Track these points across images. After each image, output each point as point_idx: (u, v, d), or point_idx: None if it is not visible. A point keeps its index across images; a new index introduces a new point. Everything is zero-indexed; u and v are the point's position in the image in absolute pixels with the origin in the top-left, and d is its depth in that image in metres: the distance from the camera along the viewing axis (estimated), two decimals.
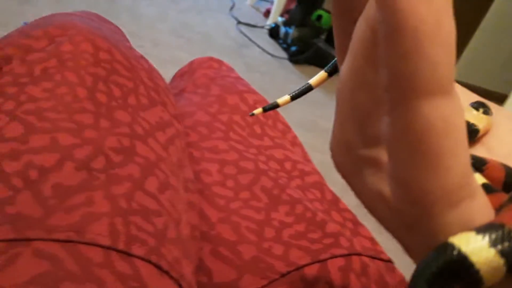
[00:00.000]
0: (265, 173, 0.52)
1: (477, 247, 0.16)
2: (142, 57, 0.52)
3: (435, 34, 0.14)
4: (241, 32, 2.86)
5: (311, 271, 0.45)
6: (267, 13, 3.21)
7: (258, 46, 2.76)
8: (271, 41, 2.94)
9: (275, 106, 0.32)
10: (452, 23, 0.15)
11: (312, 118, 2.13)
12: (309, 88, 0.30)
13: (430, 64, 0.14)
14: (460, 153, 0.16)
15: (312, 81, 0.30)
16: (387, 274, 0.49)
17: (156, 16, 2.55)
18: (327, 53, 2.80)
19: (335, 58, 0.26)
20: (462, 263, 0.16)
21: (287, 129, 0.63)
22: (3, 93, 0.40)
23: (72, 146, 0.37)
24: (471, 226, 0.16)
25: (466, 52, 3.47)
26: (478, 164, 0.25)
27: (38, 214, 0.32)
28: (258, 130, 0.58)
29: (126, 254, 0.34)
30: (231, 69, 0.68)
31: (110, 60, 0.45)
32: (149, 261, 0.35)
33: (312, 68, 2.74)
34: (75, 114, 0.39)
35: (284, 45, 2.88)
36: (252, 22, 3.04)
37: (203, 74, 0.64)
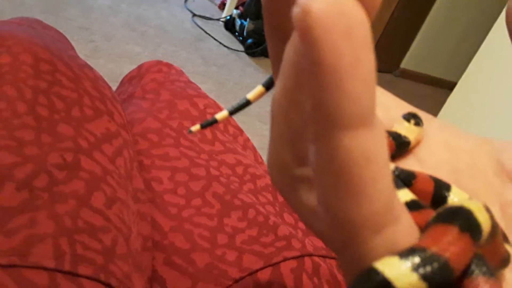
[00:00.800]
0: (216, 179, 0.52)
1: (400, 272, 0.16)
2: (86, 65, 0.51)
3: (354, 69, 0.14)
4: (197, 24, 2.83)
5: (264, 275, 0.46)
6: (222, 6, 3.19)
7: (214, 38, 2.74)
8: (227, 34, 2.92)
9: (213, 122, 0.32)
10: (371, 58, 0.15)
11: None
12: (247, 103, 0.31)
13: (350, 98, 0.15)
14: (382, 181, 0.16)
15: (250, 95, 0.30)
16: (340, 271, 0.50)
17: (108, 9, 2.48)
18: None
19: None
20: (385, 286, 0.16)
21: (238, 132, 0.63)
22: None
23: (12, 165, 0.36)
24: (396, 250, 0.17)
25: (416, 41, 3.56)
26: (408, 178, 0.25)
27: None
28: (209, 135, 0.57)
29: (73, 274, 0.33)
30: (181, 73, 0.67)
31: (52, 71, 0.44)
32: (98, 280, 0.34)
33: (268, 61, 2.74)
34: (15, 131, 0.38)
35: (240, 38, 2.87)
36: (207, 15, 3.01)
37: (152, 78, 0.63)
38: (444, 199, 0.24)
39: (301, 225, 0.54)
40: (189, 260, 0.45)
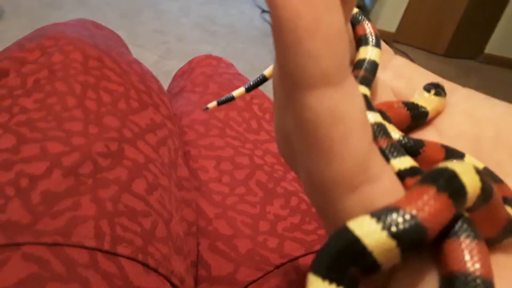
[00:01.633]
0: (260, 168, 0.52)
1: (369, 230, 0.16)
2: (135, 61, 0.54)
3: (314, 29, 0.15)
4: (266, 20, 2.85)
5: (305, 262, 0.46)
6: None
7: None
8: None
9: (231, 99, 0.32)
10: (334, 18, 0.15)
11: None
12: (263, 79, 0.31)
13: (310, 58, 0.15)
14: (352, 140, 0.16)
15: (267, 71, 0.31)
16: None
17: (178, 11, 2.58)
18: None
19: None
20: (356, 246, 0.16)
21: None
22: (4, 107, 0.42)
23: (60, 154, 0.39)
24: (372, 210, 0.17)
25: (500, 24, 3.33)
26: (415, 147, 0.25)
27: (26, 220, 0.34)
28: (254, 125, 0.58)
29: (112, 254, 0.35)
30: (230, 66, 0.68)
31: (100, 67, 0.47)
32: (135, 260, 0.36)
33: None
34: (64, 123, 0.41)
35: None
36: None
37: (201, 72, 0.65)
38: None
39: None
40: (232, 246, 0.46)
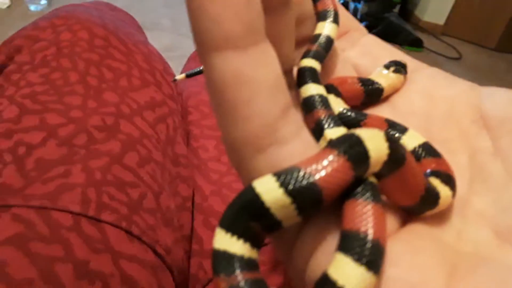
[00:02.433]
0: None
1: (268, 187, 0.17)
2: (143, 42, 0.56)
3: None
4: None
5: None
6: None
7: None
8: None
9: (199, 72, 0.33)
10: None
11: None
12: None
13: (212, 21, 0.16)
14: (259, 103, 0.17)
15: None
16: None
17: None
18: (400, 27, 2.69)
19: None
20: (255, 202, 0.17)
21: None
22: (8, 79, 0.45)
23: (57, 125, 0.41)
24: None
25: None
26: (356, 120, 0.25)
27: (19, 184, 0.37)
28: None
29: (95, 220, 0.38)
30: None
31: (105, 46, 0.49)
32: (118, 227, 0.38)
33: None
34: (64, 97, 0.44)
35: None
36: None
37: None
38: None
39: None
40: None
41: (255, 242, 0.18)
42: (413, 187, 0.20)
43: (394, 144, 0.19)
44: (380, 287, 0.17)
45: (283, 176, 0.17)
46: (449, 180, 0.22)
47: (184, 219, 0.48)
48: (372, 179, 0.19)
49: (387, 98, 0.29)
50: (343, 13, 0.32)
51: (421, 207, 0.21)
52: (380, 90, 0.28)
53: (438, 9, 2.92)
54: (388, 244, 0.19)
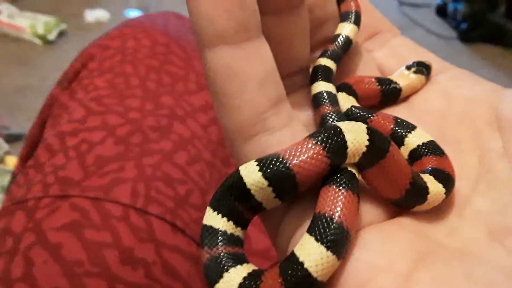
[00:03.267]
0: None
1: (250, 171, 0.19)
2: None
3: None
4: (404, 13, 2.73)
5: None
6: None
7: (423, 26, 2.61)
8: (437, 21, 2.74)
9: None
10: None
11: None
12: None
13: (204, 19, 0.18)
14: (248, 94, 0.19)
15: None
16: None
17: None
18: (506, 28, 2.49)
19: None
20: (239, 184, 0.19)
21: None
22: (80, 84, 0.51)
23: (116, 125, 0.46)
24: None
25: None
26: (363, 117, 0.26)
27: (79, 177, 0.42)
28: None
29: (142, 211, 0.41)
30: None
31: (165, 52, 0.53)
32: (163, 219, 0.41)
33: (486, 47, 2.48)
34: (125, 100, 0.48)
35: (454, 23, 2.66)
36: (416, 1, 2.88)
37: None
38: (401, 138, 0.25)
39: None
40: None
41: (239, 221, 0.20)
42: (397, 180, 0.21)
43: (375, 137, 0.20)
44: (346, 267, 0.19)
45: (263, 162, 0.19)
46: (446, 178, 0.22)
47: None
48: (353, 170, 0.20)
49: (407, 98, 0.29)
50: (374, 14, 0.32)
51: (407, 201, 0.21)
52: (397, 90, 0.28)
53: None
54: (365, 231, 0.20)
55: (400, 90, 0.28)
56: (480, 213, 0.21)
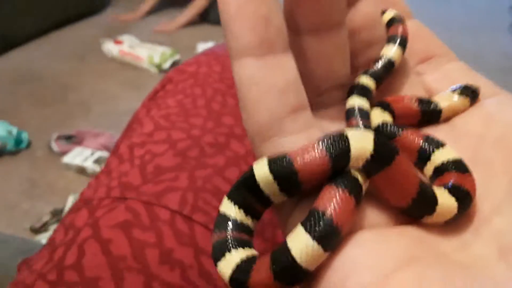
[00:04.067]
0: None
1: (260, 167, 0.21)
2: None
3: (235, 14, 0.20)
4: None
5: None
6: None
7: None
8: None
9: None
10: (258, 8, 0.20)
11: None
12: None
13: (232, 35, 0.21)
14: (266, 102, 0.21)
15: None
16: None
17: None
18: None
19: None
20: (250, 178, 0.21)
21: None
22: (155, 103, 0.57)
23: (178, 140, 0.50)
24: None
25: None
26: (392, 132, 0.27)
27: (137, 183, 0.46)
28: None
29: (188, 218, 0.44)
30: None
31: (233, 77, 0.57)
32: (206, 227, 0.44)
33: None
34: (190, 118, 0.52)
35: None
36: None
37: None
38: (428, 155, 0.25)
39: None
40: None
41: (250, 211, 0.22)
42: (403, 189, 0.21)
43: (381, 145, 0.21)
44: (334, 261, 0.20)
45: (273, 160, 0.21)
46: (462, 194, 0.22)
47: (280, 233, 0.51)
48: (358, 174, 0.21)
49: (447, 120, 0.28)
50: (431, 39, 0.32)
51: (414, 210, 0.22)
52: (438, 111, 0.28)
53: None
54: (364, 232, 0.21)
55: (440, 111, 0.28)
56: (498, 233, 0.21)
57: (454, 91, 0.28)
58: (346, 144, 0.20)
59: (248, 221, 0.22)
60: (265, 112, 0.21)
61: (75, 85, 2.06)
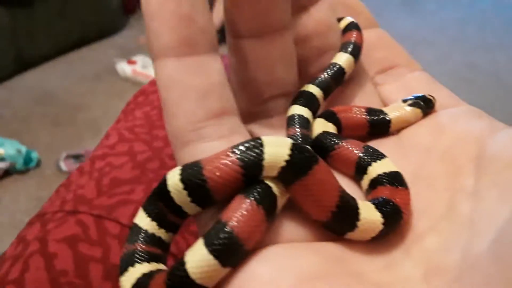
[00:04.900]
0: None
1: (173, 175, 0.20)
2: None
3: (156, 13, 0.20)
4: None
5: None
6: None
7: None
8: None
9: None
10: (179, 8, 0.20)
11: None
12: None
13: (152, 34, 0.20)
14: (184, 105, 0.20)
15: None
16: None
17: (435, 59, 2.49)
18: None
19: None
20: (163, 187, 0.20)
21: None
22: (125, 114, 0.56)
23: (139, 152, 0.49)
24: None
25: None
26: (331, 142, 0.25)
27: (92, 196, 0.45)
28: None
29: None
30: None
31: None
32: None
33: None
34: (153, 130, 0.51)
35: None
36: None
37: None
38: (365, 167, 0.24)
39: None
40: None
41: (164, 223, 0.21)
42: (322, 201, 0.20)
43: (298, 153, 0.19)
44: (236, 277, 0.19)
45: (185, 167, 0.20)
46: (391, 209, 0.21)
47: None
48: (272, 183, 0.20)
49: (398, 131, 0.28)
50: (393, 49, 0.31)
51: (334, 225, 0.20)
52: (386, 122, 0.27)
53: None
54: (277, 247, 0.19)
55: (389, 121, 0.27)
56: (429, 252, 0.20)
57: (405, 101, 0.28)
58: (259, 150, 0.19)
59: (161, 233, 0.21)
60: (183, 115, 0.20)
61: (87, 104, 2.09)
